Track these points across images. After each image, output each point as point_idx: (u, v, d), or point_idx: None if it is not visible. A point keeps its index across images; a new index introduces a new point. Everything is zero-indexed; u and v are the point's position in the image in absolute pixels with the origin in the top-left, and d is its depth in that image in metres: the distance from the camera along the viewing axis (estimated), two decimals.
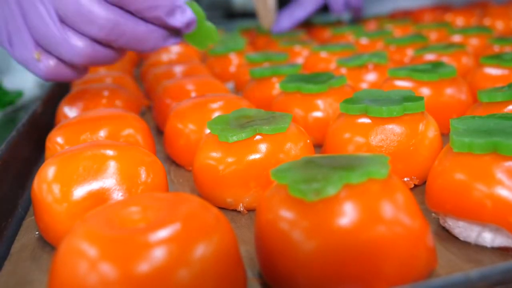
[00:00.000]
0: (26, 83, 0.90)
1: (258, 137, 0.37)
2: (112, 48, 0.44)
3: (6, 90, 0.83)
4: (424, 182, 0.39)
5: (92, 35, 0.41)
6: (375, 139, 0.39)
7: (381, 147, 0.38)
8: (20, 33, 0.41)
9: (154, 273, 0.22)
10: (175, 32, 0.47)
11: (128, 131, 0.44)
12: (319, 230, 0.25)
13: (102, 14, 0.40)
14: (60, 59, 0.43)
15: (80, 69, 0.45)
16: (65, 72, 0.44)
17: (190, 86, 0.56)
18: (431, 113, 0.42)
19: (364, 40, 0.85)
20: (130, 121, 0.45)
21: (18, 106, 0.84)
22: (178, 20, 0.45)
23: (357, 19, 1.13)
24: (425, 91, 0.49)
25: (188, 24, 0.47)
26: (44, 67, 0.43)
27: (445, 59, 0.62)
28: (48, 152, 0.44)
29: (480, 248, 0.31)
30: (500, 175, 0.29)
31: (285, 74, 0.59)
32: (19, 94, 0.84)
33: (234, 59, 0.80)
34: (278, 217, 0.27)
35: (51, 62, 0.43)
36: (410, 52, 0.73)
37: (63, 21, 0.41)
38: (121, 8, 0.42)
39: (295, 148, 0.38)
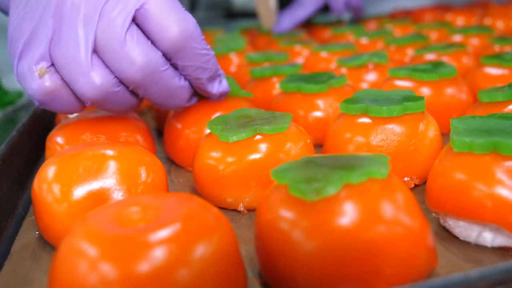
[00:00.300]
0: None
1: (258, 137, 0.37)
2: (134, 95, 0.40)
3: (6, 90, 0.83)
4: (425, 182, 0.39)
5: (125, 74, 0.37)
6: (375, 139, 0.39)
7: (381, 147, 0.38)
8: (37, 47, 0.37)
9: (154, 273, 0.22)
10: (199, 94, 0.45)
11: (128, 131, 0.44)
12: (319, 230, 0.25)
13: (145, 56, 0.37)
14: (67, 85, 0.38)
15: (80, 104, 0.40)
16: (63, 101, 0.39)
17: None
18: (432, 113, 0.42)
19: (364, 40, 0.85)
20: (130, 121, 0.45)
21: (18, 106, 0.84)
22: (215, 88, 0.44)
23: (357, 19, 1.13)
24: (425, 91, 0.49)
25: (222, 95, 0.46)
26: (42, 85, 0.37)
27: (445, 59, 0.62)
28: (48, 152, 0.44)
29: (480, 248, 0.31)
30: (500, 175, 0.29)
31: (285, 74, 0.59)
32: (19, 94, 0.84)
33: (235, 59, 0.80)
34: (278, 217, 0.27)
35: (55, 83, 0.37)
36: (410, 52, 0.73)
37: (96, 51, 0.37)
38: (165, 56, 0.39)
39: (295, 148, 0.38)
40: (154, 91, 0.39)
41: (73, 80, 0.37)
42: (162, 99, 0.41)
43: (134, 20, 0.37)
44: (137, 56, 0.37)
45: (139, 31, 0.37)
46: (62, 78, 0.38)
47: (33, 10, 0.38)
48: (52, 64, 0.37)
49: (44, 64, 0.37)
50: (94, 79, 0.37)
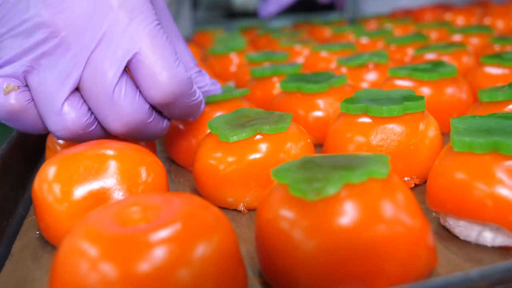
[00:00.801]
0: None
1: (258, 136, 0.37)
2: (104, 131, 0.38)
3: None
4: (425, 182, 0.39)
5: (107, 125, 0.36)
6: (376, 138, 0.39)
7: (381, 147, 0.38)
8: (13, 63, 0.35)
9: (154, 272, 0.22)
10: None
11: None
12: (319, 229, 0.25)
13: (133, 112, 0.35)
14: (34, 107, 0.36)
15: (44, 128, 0.37)
16: (26, 122, 0.36)
17: None
18: (432, 112, 0.42)
19: (364, 40, 0.85)
20: None
21: None
22: (194, 118, 0.43)
23: (340, 8, 1.14)
24: (425, 91, 0.49)
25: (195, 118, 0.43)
26: (7, 101, 0.35)
27: (445, 58, 0.62)
28: (48, 152, 0.44)
29: (480, 247, 0.31)
30: (500, 174, 0.29)
31: (286, 73, 0.59)
32: None
33: (235, 59, 0.80)
34: (279, 216, 0.27)
35: (20, 103, 0.35)
36: (410, 51, 0.73)
37: (80, 89, 0.35)
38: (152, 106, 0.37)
39: (296, 148, 0.38)
40: (135, 136, 0.38)
41: (44, 114, 0.35)
42: (142, 138, 0.40)
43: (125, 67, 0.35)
44: (124, 113, 0.35)
45: (129, 82, 0.35)
46: (32, 100, 0.35)
47: (17, 18, 0.35)
48: (26, 85, 0.35)
49: (14, 82, 0.34)
50: (63, 120, 0.35)
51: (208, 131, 0.43)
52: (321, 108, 0.49)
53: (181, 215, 0.25)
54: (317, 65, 0.73)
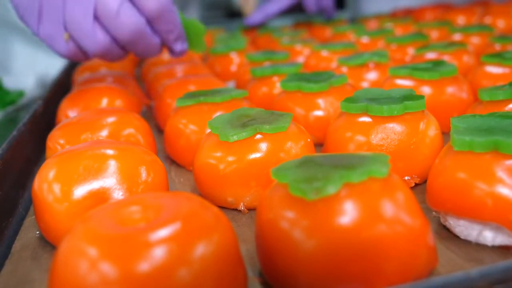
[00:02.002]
0: (26, 82, 0.90)
1: (258, 136, 0.37)
2: (123, 49, 0.52)
3: (7, 90, 0.83)
4: (425, 181, 0.39)
5: (119, 35, 0.49)
6: (376, 138, 0.38)
7: (381, 146, 0.38)
8: (55, 14, 0.47)
9: (154, 272, 0.22)
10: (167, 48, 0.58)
11: (128, 131, 0.44)
12: (319, 229, 0.25)
13: (134, 21, 0.49)
14: (78, 45, 0.49)
15: (90, 56, 0.52)
16: (80, 56, 0.51)
17: (190, 86, 0.56)
18: (432, 111, 0.42)
19: (365, 39, 0.85)
20: (130, 121, 0.45)
21: (19, 106, 0.84)
22: (178, 47, 0.57)
23: (329, 18, 1.14)
24: (426, 90, 0.49)
25: (181, 52, 0.58)
26: (68, 47, 0.49)
27: (446, 57, 0.62)
28: (49, 152, 0.44)
29: (480, 246, 0.31)
30: (500, 173, 0.29)
31: (286, 73, 0.59)
32: (20, 94, 0.84)
33: (235, 58, 0.80)
34: (279, 216, 0.27)
35: (74, 45, 0.49)
36: (411, 50, 0.73)
37: (96, 17, 0.47)
38: (147, 20, 0.50)
39: (296, 147, 0.38)
40: (138, 47, 0.52)
41: (80, 39, 0.48)
42: (142, 52, 0.53)
43: None
44: (128, 23, 0.48)
45: (128, 2, 0.48)
46: (75, 39, 0.49)
47: None
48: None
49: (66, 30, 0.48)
50: (96, 40, 0.48)
51: (208, 130, 0.43)
52: (322, 108, 0.49)
53: (181, 214, 0.25)
54: (317, 64, 0.73)
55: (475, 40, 0.76)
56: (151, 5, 0.49)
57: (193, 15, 1.31)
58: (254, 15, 1.10)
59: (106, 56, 0.51)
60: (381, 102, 0.39)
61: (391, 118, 0.38)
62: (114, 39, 0.50)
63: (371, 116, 0.39)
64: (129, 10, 0.48)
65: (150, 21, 0.51)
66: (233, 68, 0.79)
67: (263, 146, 0.37)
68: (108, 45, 0.49)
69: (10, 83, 0.87)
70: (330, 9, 1.12)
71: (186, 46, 0.58)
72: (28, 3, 0.48)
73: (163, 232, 0.24)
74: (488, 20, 0.92)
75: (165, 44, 0.56)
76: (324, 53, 0.73)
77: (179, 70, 0.69)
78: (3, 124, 0.77)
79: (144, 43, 0.52)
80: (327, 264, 0.25)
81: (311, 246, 0.25)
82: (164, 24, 0.52)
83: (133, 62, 0.94)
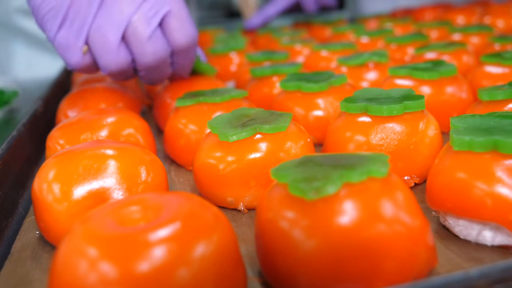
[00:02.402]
0: (22, 82, 0.90)
1: (258, 136, 0.37)
2: (135, 71, 0.51)
3: (1, 90, 0.83)
4: (425, 181, 0.39)
5: (141, 60, 0.48)
6: (376, 137, 0.38)
7: (381, 146, 0.38)
8: (80, 24, 0.46)
9: (154, 272, 0.22)
10: None
11: (128, 131, 0.44)
12: (319, 228, 0.25)
13: (161, 50, 0.48)
14: (95, 60, 0.48)
15: (102, 72, 0.50)
16: (90, 70, 0.50)
17: (190, 86, 0.56)
18: (432, 111, 0.42)
19: (364, 39, 0.85)
20: (130, 121, 0.45)
21: (14, 106, 0.84)
22: (186, 75, 0.56)
23: (331, 10, 1.15)
24: (425, 90, 0.49)
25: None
26: (82, 59, 0.47)
27: (445, 57, 0.62)
28: (48, 152, 0.44)
29: (480, 246, 0.31)
30: (500, 173, 0.29)
31: (286, 73, 0.59)
32: (14, 93, 0.83)
33: (235, 58, 0.80)
34: (278, 215, 0.27)
35: (90, 59, 0.48)
36: (410, 50, 0.73)
37: (124, 37, 0.46)
38: (172, 50, 0.49)
39: (295, 147, 0.38)
40: (151, 74, 0.51)
41: (100, 54, 0.47)
42: (151, 79, 0.52)
43: None
44: (156, 50, 0.47)
45: (160, 31, 0.47)
46: (93, 53, 0.47)
47: None
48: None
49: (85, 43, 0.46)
50: (117, 59, 0.47)
51: (208, 130, 0.43)
52: (321, 108, 0.49)
53: (181, 214, 0.25)
54: (317, 64, 0.73)
55: (474, 40, 0.76)
56: (182, 39, 0.48)
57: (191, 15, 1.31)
58: (253, 18, 1.11)
59: (117, 75, 0.50)
60: (381, 102, 0.39)
61: (391, 118, 0.38)
62: (134, 62, 0.49)
63: (370, 116, 0.39)
64: (160, 39, 0.47)
65: (173, 53, 0.50)
66: (233, 68, 0.79)
67: (263, 146, 0.37)
68: (126, 67, 0.48)
69: (9, 83, 0.87)
70: (330, 8, 1.12)
71: (188, 73, 0.57)
72: (53, 7, 0.46)
73: (163, 232, 0.24)
74: (487, 20, 0.92)
75: (176, 73, 0.55)
76: (324, 53, 0.73)
77: None
78: (2, 124, 0.77)
79: (159, 71, 0.51)
80: (326, 263, 0.25)
81: (310, 246, 0.25)
82: (184, 59, 0.52)
83: None
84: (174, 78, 0.57)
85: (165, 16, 0.47)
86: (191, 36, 0.49)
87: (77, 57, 0.47)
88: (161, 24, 0.47)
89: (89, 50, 0.47)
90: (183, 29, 0.48)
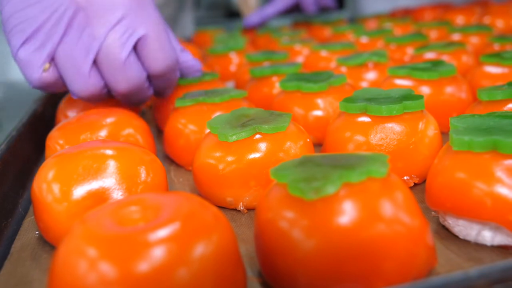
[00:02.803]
0: (21, 83, 0.89)
1: (258, 136, 0.37)
2: (109, 95, 0.48)
3: None
4: (424, 181, 0.39)
5: (116, 87, 0.45)
6: (375, 137, 0.39)
7: (381, 146, 0.38)
8: (44, 43, 0.43)
9: (153, 272, 0.22)
10: None
11: (128, 131, 0.44)
12: (318, 228, 0.25)
13: (136, 77, 0.45)
14: (61, 79, 0.45)
15: (72, 96, 0.47)
16: (54, 89, 0.47)
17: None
18: (431, 111, 0.42)
19: (364, 39, 0.85)
20: (130, 121, 0.45)
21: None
22: (167, 95, 0.54)
23: (330, 11, 1.15)
24: (425, 90, 0.49)
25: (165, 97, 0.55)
26: (42, 76, 0.44)
27: (445, 57, 0.62)
28: (48, 152, 0.44)
29: (480, 246, 0.31)
30: (499, 173, 0.29)
31: (285, 73, 0.59)
32: None
33: (235, 58, 0.80)
34: (278, 216, 0.27)
35: (53, 76, 0.45)
36: (410, 50, 0.73)
37: (96, 60, 0.44)
38: (149, 74, 0.47)
39: (295, 147, 0.38)
40: (129, 98, 0.48)
41: (70, 79, 0.45)
42: (130, 101, 0.49)
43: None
44: (130, 76, 0.45)
45: (135, 55, 0.45)
46: (59, 73, 0.45)
47: (46, 3, 0.43)
48: (53, 59, 0.44)
49: (48, 60, 0.44)
50: (88, 84, 0.45)
51: (208, 130, 0.43)
52: (321, 108, 0.49)
53: (180, 214, 0.25)
54: (316, 64, 0.73)
55: (474, 40, 0.76)
56: (159, 65, 0.46)
57: (188, 15, 1.31)
58: (251, 16, 1.12)
59: (90, 100, 0.47)
60: (380, 102, 0.39)
61: (390, 118, 0.38)
62: (107, 87, 0.46)
63: (370, 116, 0.39)
64: (134, 64, 0.45)
65: (150, 77, 0.48)
66: (233, 68, 0.79)
67: (262, 146, 0.37)
68: (98, 92, 0.46)
69: (4, 84, 0.86)
70: (330, 8, 1.13)
71: (171, 92, 0.55)
72: (23, 21, 0.43)
73: (162, 232, 0.24)
74: (487, 20, 0.92)
75: (157, 94, 0.53)
76: (323, 53, 0.73)
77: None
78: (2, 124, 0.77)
79: (136, 96, 0.48)
80: (326, 264, 0.25)
81: (310, 246, 0.25)
82: (163, 83, 0.49)
83: None
84: (157, 95, 0.54)
85: (140, 40, 0.44)
86: (169, 61, 0.47)
87: (36, 74, 0.44)
88: (136, 48, 0.45)
89: (59, 73, 0.45)
90: (160, 53, 0.46)
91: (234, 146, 0.37)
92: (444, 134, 0.42)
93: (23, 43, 0.43)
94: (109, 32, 0.43)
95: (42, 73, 0.44)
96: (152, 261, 0.22)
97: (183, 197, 0.27)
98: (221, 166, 0.37)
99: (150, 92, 0.50)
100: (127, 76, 0.45)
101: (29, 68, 0.44)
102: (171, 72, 0.48)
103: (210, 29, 1.18)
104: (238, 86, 0.70)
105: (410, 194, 0.28)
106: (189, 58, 0.54)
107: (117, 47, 0.43)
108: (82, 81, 0.44)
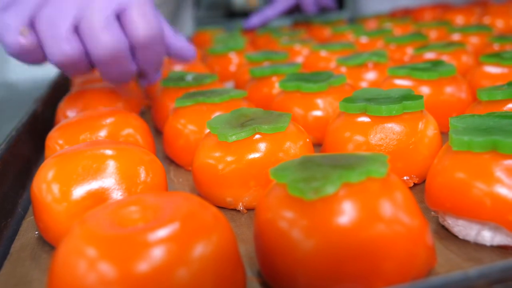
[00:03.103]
0: (20, 83, 0.89)
1: (257, 136, 0.37)
2: (90, 66, 0.47)
3: None
4: (424, 181, 0.39)
5: (93, 52, 0.44)
6: (375, 138, 0.38)
7: (380, 146, 0.38)
8: (24, 7, 0.43)
9: (153, 272, 0.22)
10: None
11: (127, 131, 0.44)
12: (318, 228, 0.25)
13: (116, 42, 0.44)
14: (39, 46, 0.44)
15: (44, 61, 0.47)
16: (31, 57, 0.45)
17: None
18: (431, 111, 0.42)
19: (364, 39, 0.85)
20: (129, 121, 0.45)
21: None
22: (153, 77, 0.53)
23: (330, 12, 1.16)
24: (424, 90, 0.49)
25: (153, 83, 0.55)
26: (20, 42, 0.43)
27: (445, 57, 0.62)
28: (48, 152, 0.44)
29: (479, 246, 0.31)
30: (499, 173, 0.29)
31: (285, 73, 0.59)
32: None
33: (234, 58, 0.80)
34: (277, 216, 0.27)
35: (31, 43, 0.44)
36: (410, 50, 0.73)
37: (76, 26, 0.43)
38: (130, 46, 0.46)
39: (295, 147, 0.38)
40: (109, 69, 0.47)
41: (48, 42, 0.43)
42: (110, 77, 0.49)
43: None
44: (110, 40, 0.44)
45: (116, 22, 0.44)
46: (38, 41, 0.44)
47: None
48: (33, 25, 0.43)
49: (26, 24, 0.43)
50: (67, 49, 0.44)
51: (207, 131, 0.43)
52: (321, 108, 0.49)
53: (180, 214, 0.25)
54: (316, 64, 0.73)
55: (474, 40, 0.76)
56: (141, 32, 0.45)
57: (187, 15, 1.32)
58: (252, 18, 1.12)
59: (68, 68, 0.46)
60: (380, 102, 0.39)
61: (390, 118, 0.38)
62: (86, 54, 0.45)
63: (370, 116, 0.39)
64: (116, 29, 0.44)
65: (133, 47, 0.47)
66: (232, 68, 0.79)
67: (262, 146, 0.37)
68: (77, 58, 0.45)
69: (4, 84, 0.87)
70: (330, 9, 1.13)
71: (160, 75, 0.55)
72: None
73: (162, 232, 0.24)
74: (487, 20, 0.93)
75: (140, 72, 0.52)
76: (323, 53, 0.73)
77: (178, 70, 0.69)
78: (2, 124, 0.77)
79: (117, 67, 0.47)
80: (325, 264, 0.25)
81: (309, 246, 0.25)
82: (147, 54, 0.48)
83: None
84: (144, 77, 0.54)
85: (123, 6, 0.44)
86: (151, 30, 0.46)
87: (12, 37, 0.43)
88: (119, 16, 0.45)
89: (37, 40, 0.44)
90: (143, 21, 0.45)
91: (233, 146, 0.37)
92: (444, 134, 0.41)
93: (3, 6, 0.43)
94: (91, 3, 0.43)
95: (18, 36, 0.43)
96: (152, 261, 0.22)
97: (183, 197, 0.27)
98: (220, 166, 0.37)
99: (133, 67, 0.49)
100: (108, 40, 0.44)
101: (6, 30, 0.43)
102: (156, 44, 0.47)
103: (210, 29, 1.18)
104: (238, 86, 0.70)
105: (410, 194, 0.28)
106: (181, 42, 0.54)
107: (98, 10, 0.43)
108: (61, 45, 0.43)
